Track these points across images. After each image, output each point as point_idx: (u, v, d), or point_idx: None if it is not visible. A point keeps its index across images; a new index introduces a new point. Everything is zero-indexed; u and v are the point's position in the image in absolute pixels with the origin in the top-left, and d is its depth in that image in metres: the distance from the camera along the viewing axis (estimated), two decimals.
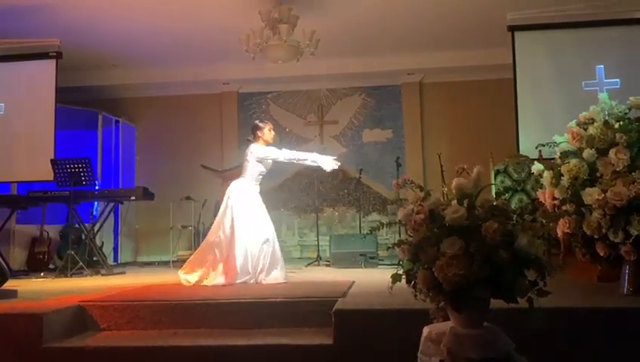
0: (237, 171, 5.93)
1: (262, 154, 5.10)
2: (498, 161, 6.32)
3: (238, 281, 4.77)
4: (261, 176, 5.19)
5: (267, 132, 5.17)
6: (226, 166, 7.68)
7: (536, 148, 5.90)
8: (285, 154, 5.14)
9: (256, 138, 5.18)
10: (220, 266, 4.86)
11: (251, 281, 4.82)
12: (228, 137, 9.07)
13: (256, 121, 5.31)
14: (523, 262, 2.06)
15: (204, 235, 7.42)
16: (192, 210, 7.96)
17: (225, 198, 5.09)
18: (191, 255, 5.33)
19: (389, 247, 2.34)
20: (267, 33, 6.25)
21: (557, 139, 3.66)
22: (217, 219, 5.08)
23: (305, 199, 8.96)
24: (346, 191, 8.95)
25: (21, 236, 7.50)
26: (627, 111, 3.47)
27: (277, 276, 4.85)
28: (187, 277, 4.90)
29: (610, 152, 3.24)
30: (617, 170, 3.20)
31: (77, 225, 6.85)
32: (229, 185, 5.29)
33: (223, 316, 3.56)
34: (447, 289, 2.03)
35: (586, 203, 3.22)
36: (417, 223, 2.17)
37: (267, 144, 5.19)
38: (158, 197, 7.49)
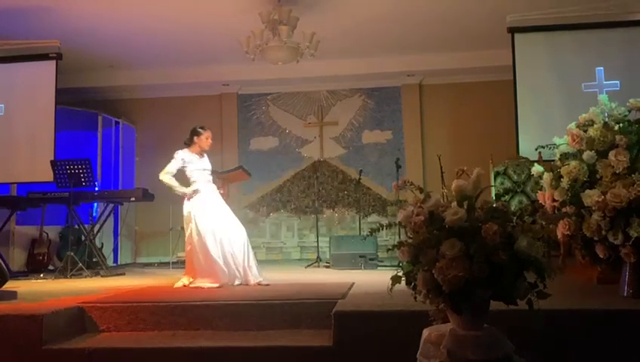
0: (236, 173, 5.93)
1: (176, 155, 5.13)
2: (498, 163, 6.32)
3: (230, 283, 4.79)
4: (202, 175, 5.14)
5: (204, 140, 5.18)
6: (226, 167, 7.66)
7: (536, 149, 5.93)
8: (167, 177, 5.10)
9: (191, 142, 5.18)
10: (204, 272, 4.84)
11: (237, 283, 4.84)
12: (227, 139, 9.06)
13: (197, 127, 5.25)
14: (523, 264, 2.06)
15: None
16: None
17: (185, 208, 5.09)
18: None
19: (389, 249, 2.34)
20: (267, 35, 6.24)
21: (557, 140, 3.66)
22: (187, 229, 5.07)
23: (305, 200, 8.97)
24: (345, 192, 8.95)
25: (21, 237, 7.50)
26: (627, 113, 3.46)
27: (258, 275, 4.90)
28: (183, 280, 4.92)
29: (609, 154, 3.24)
30: (617, 172, 3.20)
31: (77, 226, 6.85)
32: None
33: (222, 317, 3.57)
34: (447, 291, 2.03)
35: (585, 205, 3.21)
36: (417, 225, 2.17)
37: (202, 150, 5.21)
38: (158, 199, 7.47)
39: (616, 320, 2.89)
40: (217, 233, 4.91)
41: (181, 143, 5.20)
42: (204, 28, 7.18)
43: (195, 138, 5.18)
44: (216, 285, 4.70)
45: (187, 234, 5.04)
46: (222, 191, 5.31)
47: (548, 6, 6.50)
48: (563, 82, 6.60)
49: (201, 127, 5.24)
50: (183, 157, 5.15)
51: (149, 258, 8.75)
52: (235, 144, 9.07)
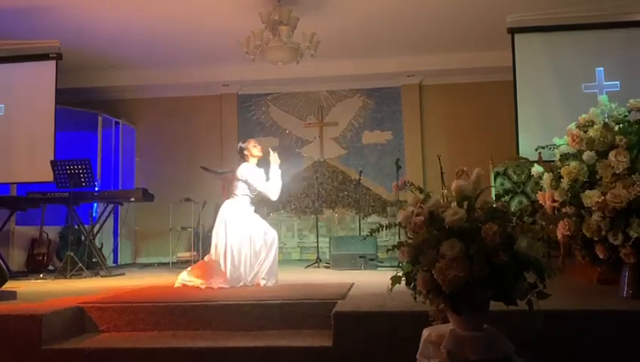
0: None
1: (246, 176, 5.02)
2: (498, 163, 6.32)
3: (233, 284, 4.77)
4: (251, 197, 5.10)
5: (252, 148, 5.12)
6: (226, 167, 7.68)
7: (536, 150, 5.94)
8: (263, 186, 5.03)
9: (245, 158, 5.14)
10: (209, 271, 4.84)
11: (241, 284, 4.83)
12: (227, 139, 9.06)
13: (239, 143, 5.22)
14: (522, 265, 2.06)
15: (204, 237, 7.44)
16: (192, 212, 7.96)
17: (218, 219, 5.04)
18: (190, 257, 5.31)
19: (389, 249, 2.34)
20: (267, 35, 6.24)
21: (557, 141, 3.66)
22: (213, 239, 5.01)
23: (305, 201, 8.97)
24: (345, 192, 8.95)
25: (20, 237, 7.50)
26: (627, 113, 3.46)
27: (267, 277, 4.90)
28: (185, 278, 4.89)
29: (609, 155, 3.24)
30: (617, 172, 3.19)
31: (76, 227, 6.85)
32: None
33: (222, 318, 3.57)
34: (447, 291, 2.03)
35: (585, 205, 3.21)
36: (417, 225, 2.17)
37: (259, 158, 5.16)
38: (158, 199, 7.49)
39: (616, 321, 2.89)
40: (244, 244, 4.89)
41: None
42: (204, 28, 7.18)
43: (245, 152, 5.12)
44: (213, 286, 4.68)
45: (213, 245, 4.98)
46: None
47: (548, 6, 6.51)
48: (563, 83, 6.61)
49: (243, 142, 5.20)
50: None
51: (149, 258, 8.75)
52: (234, 144, 9.00)
